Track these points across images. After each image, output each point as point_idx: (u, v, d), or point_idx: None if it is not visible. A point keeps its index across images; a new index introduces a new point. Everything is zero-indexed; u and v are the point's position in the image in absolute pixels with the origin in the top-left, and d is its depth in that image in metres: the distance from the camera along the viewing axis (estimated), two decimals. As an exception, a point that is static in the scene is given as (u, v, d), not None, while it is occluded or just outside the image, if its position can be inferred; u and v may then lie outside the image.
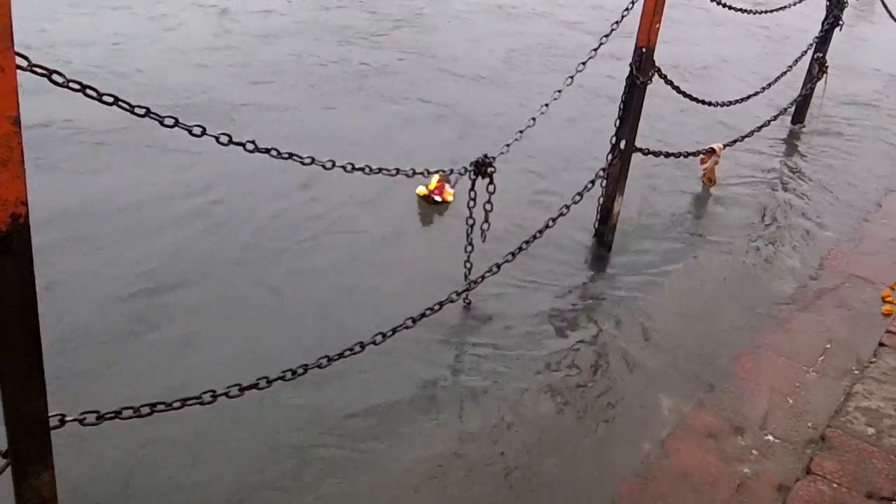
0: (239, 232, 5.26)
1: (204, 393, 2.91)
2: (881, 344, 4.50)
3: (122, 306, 4.42)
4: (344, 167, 3.38)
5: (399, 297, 4.75)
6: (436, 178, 6.00)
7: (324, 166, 3.30)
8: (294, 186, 5.77)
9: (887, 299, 5.26)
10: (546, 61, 9.32)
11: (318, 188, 5.77)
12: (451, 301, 4.15)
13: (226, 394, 2.95)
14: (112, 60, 7.76)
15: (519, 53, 9.55)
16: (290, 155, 3.12)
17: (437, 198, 5.99)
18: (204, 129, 2.78)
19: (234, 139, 2.88)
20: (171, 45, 8.42)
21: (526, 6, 11.70)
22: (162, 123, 2.66)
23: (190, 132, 2.75)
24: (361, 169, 3.45)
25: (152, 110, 2.60)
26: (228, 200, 5.60)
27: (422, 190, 5.99)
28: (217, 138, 2.83)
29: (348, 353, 3.55)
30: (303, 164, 3.19)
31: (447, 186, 6.06)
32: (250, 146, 2.95)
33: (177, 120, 2.68)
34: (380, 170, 3.55)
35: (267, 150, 3.00)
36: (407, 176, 3.76)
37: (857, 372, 4.42)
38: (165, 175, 5.82)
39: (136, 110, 2.56)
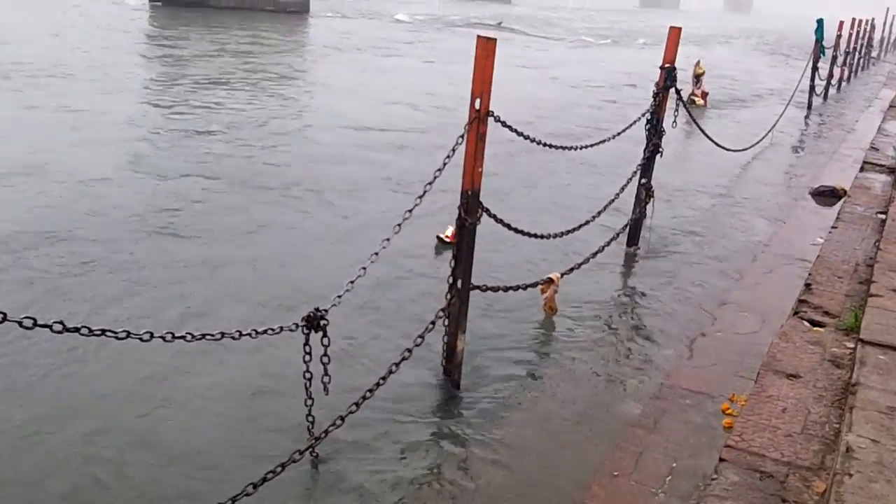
0: (60, 401, 5.05)
1: None
2: (721, 459, 4.59)
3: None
4: (163, 337, 3.30)
5: (243, 459, 4.62)
6: (451, 229, 7.79)
7: (140, 338, 3.21)
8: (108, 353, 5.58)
9: (727, 412, 5.41)
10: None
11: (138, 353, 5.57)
12: (294, 461, 4.06)
13: None
14: None
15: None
16: (103, 331, 3.04)
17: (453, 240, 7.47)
18: (4, 315, 2.67)
19: (40, 321, 2.78)
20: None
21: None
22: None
23: (-12, 318, 2.65)
24: (182, 337, 3.38)
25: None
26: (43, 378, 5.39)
27: (442, 236, 8.23)
28: (20, 322, 2.73)
29: (183, 529, 3.40)
30: (117, 338, 3.10)
31: None
32: (58, 327, 2.85)
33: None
34: (203, 335, 3.49)
35: (76, 329, 2.91)
36: (233, 339, 3.70)
37: (702, 489, 4.49)
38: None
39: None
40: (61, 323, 2.89)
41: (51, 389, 5.19)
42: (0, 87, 14.60)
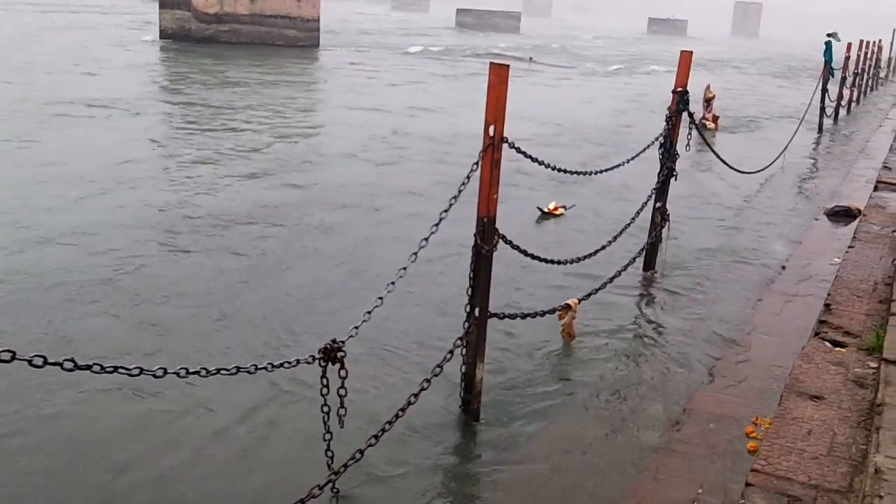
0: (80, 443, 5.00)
1: None
2: (748, 484, 4.50)
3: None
4: (177, 373, 3.26)
5: (261, 495, 4.57)
6: (553, 203, 10.87)
7: (154, 375, 3.17)
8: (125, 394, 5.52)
9: (751, 435, 5.33)
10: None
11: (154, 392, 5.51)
12: (313, 496, 4.00)
13: None
14: None
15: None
16: (115, 368, 2.99)
17: (553, 212, 10.75)
18: (14, 353, 2.63)
19: (50, 360, 2.74)
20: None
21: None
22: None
23: (-2, 358, 2.61)
24: (196, 373, 3.33)
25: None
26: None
27: (543, 209, 10.71)
28: (30, 361, 2.69)
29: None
30: (130, 375, 3.06)
31: (561, 209, 10.83)
32: (69, 365, 2.81)
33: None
34: (217, 370, 3.45)
35: (88, 367, 2.86)
36: (249, 373, 3.65)
37: (729, 515, 4.41)
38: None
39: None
40: (72, 361, 2.85)
41: (55, 428, 5.14)
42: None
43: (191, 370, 3.35)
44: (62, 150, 12.99)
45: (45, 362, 2.74)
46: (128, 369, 3.08)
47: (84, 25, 39.63)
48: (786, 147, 15.22)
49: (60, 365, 2.79)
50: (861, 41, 26.60)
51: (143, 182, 11.19)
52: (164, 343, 6.33)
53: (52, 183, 10.75)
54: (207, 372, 3.41)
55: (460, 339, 5.24)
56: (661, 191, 8.29)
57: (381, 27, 61.15)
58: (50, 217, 9.24)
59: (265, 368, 3.74)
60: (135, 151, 13.25)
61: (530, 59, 40.17)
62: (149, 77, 23.39)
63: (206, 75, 23.86)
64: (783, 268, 9.03)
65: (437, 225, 4.93)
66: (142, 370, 3.11)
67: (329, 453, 4.46)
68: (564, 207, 10.94)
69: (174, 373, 3.25)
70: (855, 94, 26.73)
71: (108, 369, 2.98)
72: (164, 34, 34.78)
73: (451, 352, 5.09)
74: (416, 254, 4.87)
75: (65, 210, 9.59)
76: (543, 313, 6.28)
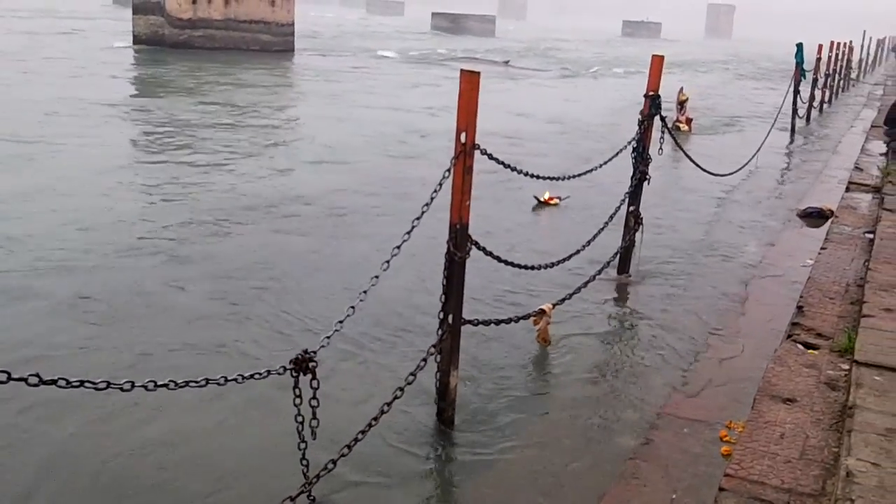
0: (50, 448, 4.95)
1: None
2: (721, 488, 4.51)
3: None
4: (145, 386, 3.22)
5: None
6: (548, 193, 11.37)
7: (122, 388, 3.14)
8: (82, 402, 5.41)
9: (725, 439, 5.34)
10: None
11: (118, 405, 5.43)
12: (285, 509, 3.98)
13: None
14: None
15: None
16: (81, 382, 2.96)
17: (548, 202, 11.40)
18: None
19: (14, 375, 2.70)
20: None
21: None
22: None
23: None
24: (165, 385, 3.30)
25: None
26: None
27: (539, 198, 11.39)
28: (-7, 377, 2.65)
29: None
30: (97, 389, 3.02)
31: (556, 199, 11.47)
32: (34, 380, 2.77)
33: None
34: (186, 383, 3.41)
35: (54, 381, 2.83)
36: (219, 385, 3.62)
37: (703, 520, 4.41)
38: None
39: None
40: (37, 375, 2.81)
41: (16, 443, 5.07)
42: None
43: (159, 383, 3.31)
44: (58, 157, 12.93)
45: (10, 378, 2.70)
46: (94, 383, 3.04)
47: (55, 31, 39.13)
48: (758, 149, 15.31)
49: (25, 380, 2.75)
50: (832, 42, 26.83)
51: (145, 184, 11.20)
52: (131, 356, 6.29)
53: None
54: (176, 384, 3.37)
55: (434, 346, 5.23)
56: (635, 195, 8.32)
57: (356, 31, 61.03)
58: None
59: (235, 380, 3.71)
60: (143, 153, 13.27)
61: (506, 62, 40.24)
62: (139, 82, 23.28)
63: (180, 80, 23.72)
64: (756, 269, 9.07)
65: (409, 233, 4.91)
66: (108, 384, 3.07)
67: (304, 462, 4.43)
68: (559, 198, 11.54)
69: (142, 386, 3.22)
70: (827, 94, 26.97)
71: (73, 383, 2.94)
72: (137, 40, 34.50)
73: (425, 359, 5.08)
74: (388, 262, 4.85)
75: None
76: (518, 319, 6.27)
